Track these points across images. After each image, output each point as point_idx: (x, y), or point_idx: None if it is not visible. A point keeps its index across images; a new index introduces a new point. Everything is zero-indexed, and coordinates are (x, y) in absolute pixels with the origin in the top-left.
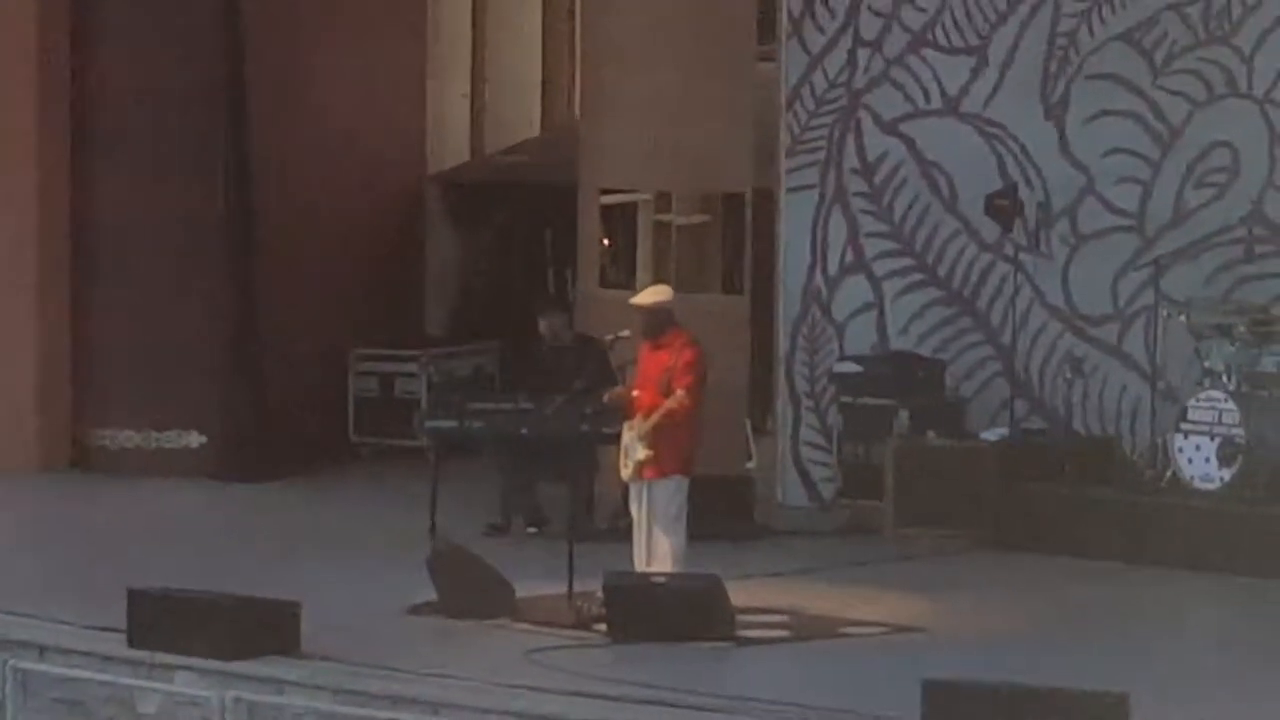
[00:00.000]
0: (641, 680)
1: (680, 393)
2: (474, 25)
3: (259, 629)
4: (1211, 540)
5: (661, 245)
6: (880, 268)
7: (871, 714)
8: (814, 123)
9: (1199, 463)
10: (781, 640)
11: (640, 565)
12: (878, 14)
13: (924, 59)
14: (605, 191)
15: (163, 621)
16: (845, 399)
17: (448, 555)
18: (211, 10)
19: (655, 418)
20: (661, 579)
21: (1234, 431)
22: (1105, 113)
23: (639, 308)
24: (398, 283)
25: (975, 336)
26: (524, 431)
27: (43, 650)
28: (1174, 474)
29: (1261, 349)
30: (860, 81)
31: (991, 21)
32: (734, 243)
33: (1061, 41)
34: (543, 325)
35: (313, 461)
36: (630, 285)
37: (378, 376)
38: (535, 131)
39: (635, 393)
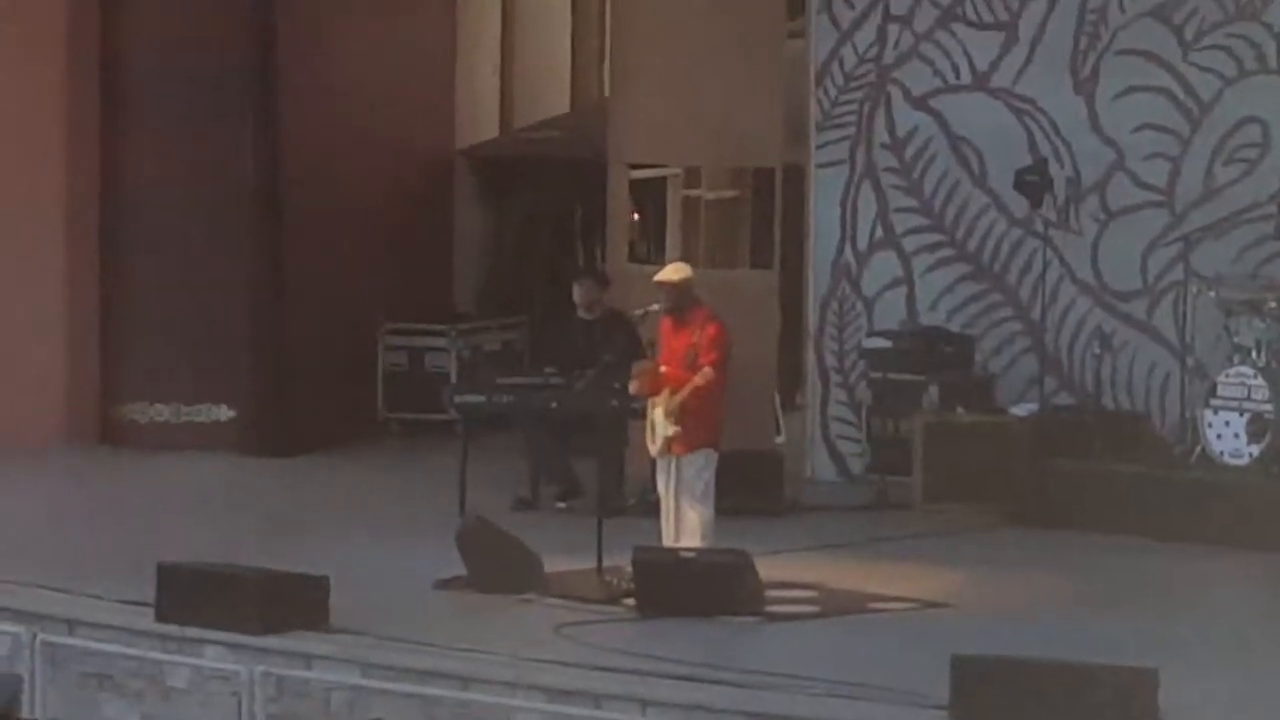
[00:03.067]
0: (670, 655)
1: (707, 369)
2: (504, 0)
3: (288, 603)
4: (1241, 516)
5: (690, 220)
6: (910, 243)
7: (899, 689)
8: (844, 98)
9: (1228, 438)
10: (809, 616)
11: (668, 540)
12: None
13: (954, 34)
14: (634, 166)
15: (192, 596)
16: (874, 374)
17: (476, 530)
18: None
19: (682, 394)
20: (690, 554)
21: (1263, 407)
22: (1135, 88)
23: (663, 284)
24: (427, 257)
25: (1005, 312)
26: (553, 405)
27: (72, 624)
28: (1203, 450)
29: None
30: (890, 57)
31: None
32: (763, 218)
33: (1091, 17)
34: (577, 292)
35: (341, 436)
36: (659, 260)
37: (407, 351)
38: (565, 107)
39: (663, 368)
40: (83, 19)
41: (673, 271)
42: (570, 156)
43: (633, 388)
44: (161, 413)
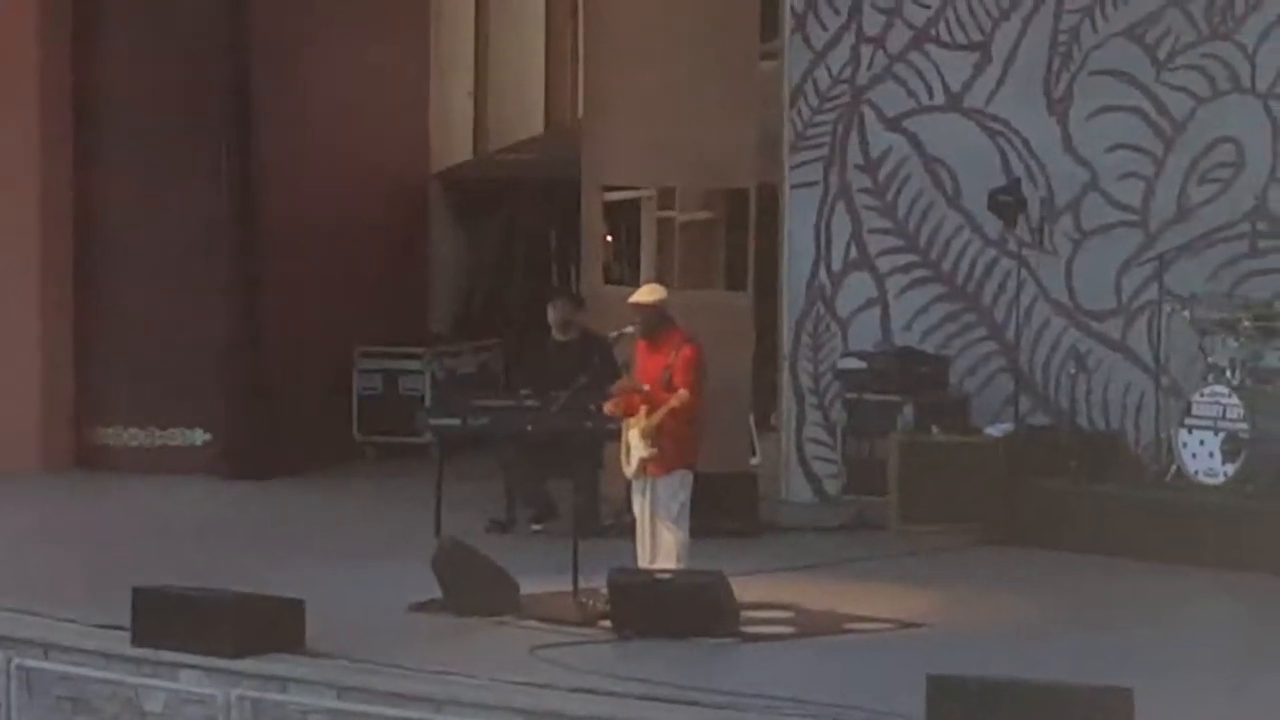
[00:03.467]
0: (646, 676)
1: (683, 391)
2: (477, 23)
3: (263, 627)
4: (1216, 535)
5: (665, 242)
6: (884, 264)
7: (876, 710)
8: (817, 119)
9: (1203, 458)
10: (785, 636)
11: (644, 562)
12: (881, 10)
13: (927, 55)
14: (608, 188)
15: (167, 619)
16: (849, 395)
17: (452, 552)
18: (215, 9)
19: (658, 415)
20: (666, 575)
21: (1238, 427)
22: (1108, 108)
23: (638, 306)
24: (402, 280)
25: (979, 332)
26: (528, 428)
27: (47, 648)
28: (1178, 469)
29: (1265, 344)
30: (863, 78)
31: (994, 17)
32: (737, 239)
33: (1064, 37)
34: (551, 313)
35: (317, 459)
36: (634, 282)
37: (382, 374)
38: (539, 129)
39: (645, 386)
40: (56, 48)
41: (647, 293)
42: (544, 178)
43: (608, 408)
44: (136, 437)
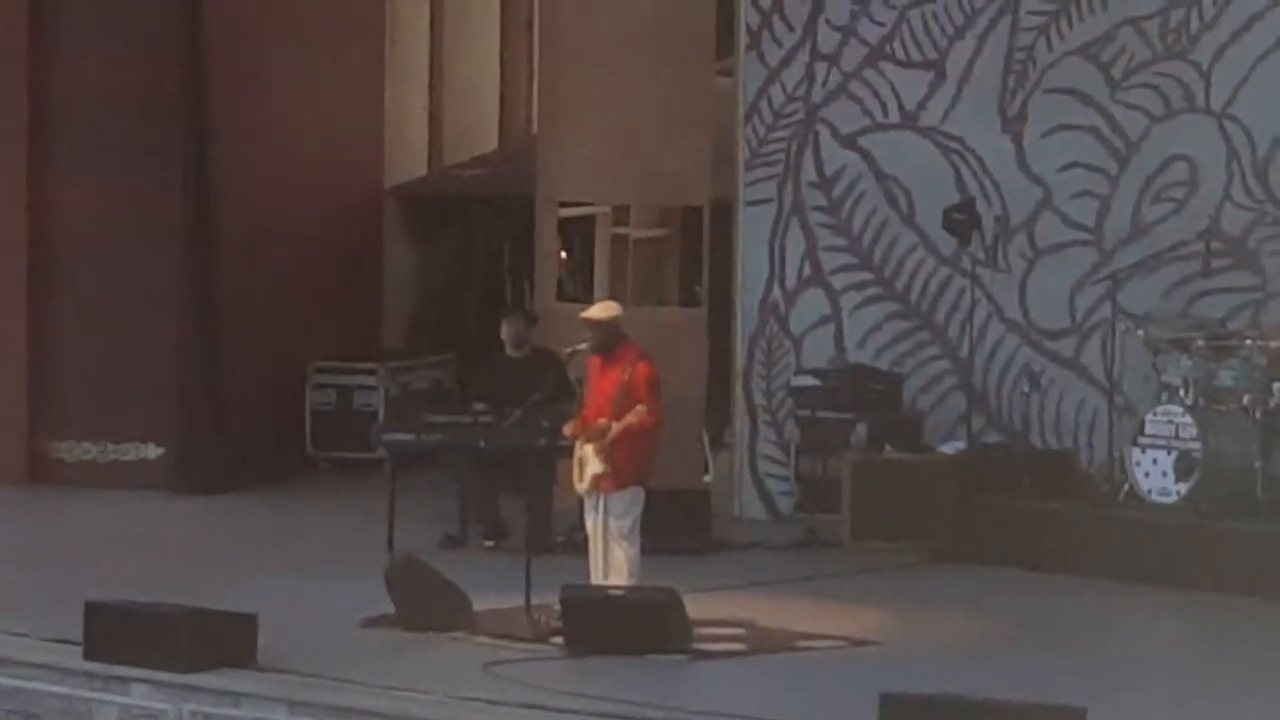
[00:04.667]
0: (598, 693)
1: (640, 407)
2: (431, 37)
3: (215, 641)
4: (1168, 554)
5: (619, 258)
6: (838, 281)
7: None
8: (772, 136)
9: (1156, 477)
10: (738, 653)
11: (597, 578)
12: (835, 28)
13: (882, 73)
14: (563, 204)
15: (119, 634)
16: (803, 412)
17: (404, 568)
18: (171, 18)
19: (614, 432)
20: (618, 592)
21: (1191, 446)
22: (1063, 127)
23: (591, 322)
24: (355, 295)
25: (933, 350)
26: (481, 444)
27: None
28: (1131, 488)
29: (1218, 364)
30: (818, 95)
31: (949, 35)
32: (691, 256)
33: (1019, 55)
34: (505, 329)
35: (270, 474)
36: (588, 298)
37: (335, 389)
38: (493, 144)
39: (600, 419)
40: (9, 52)
41: (601, 310)
42: (499, 194)
43: (568, 430)
44: (89, 451)
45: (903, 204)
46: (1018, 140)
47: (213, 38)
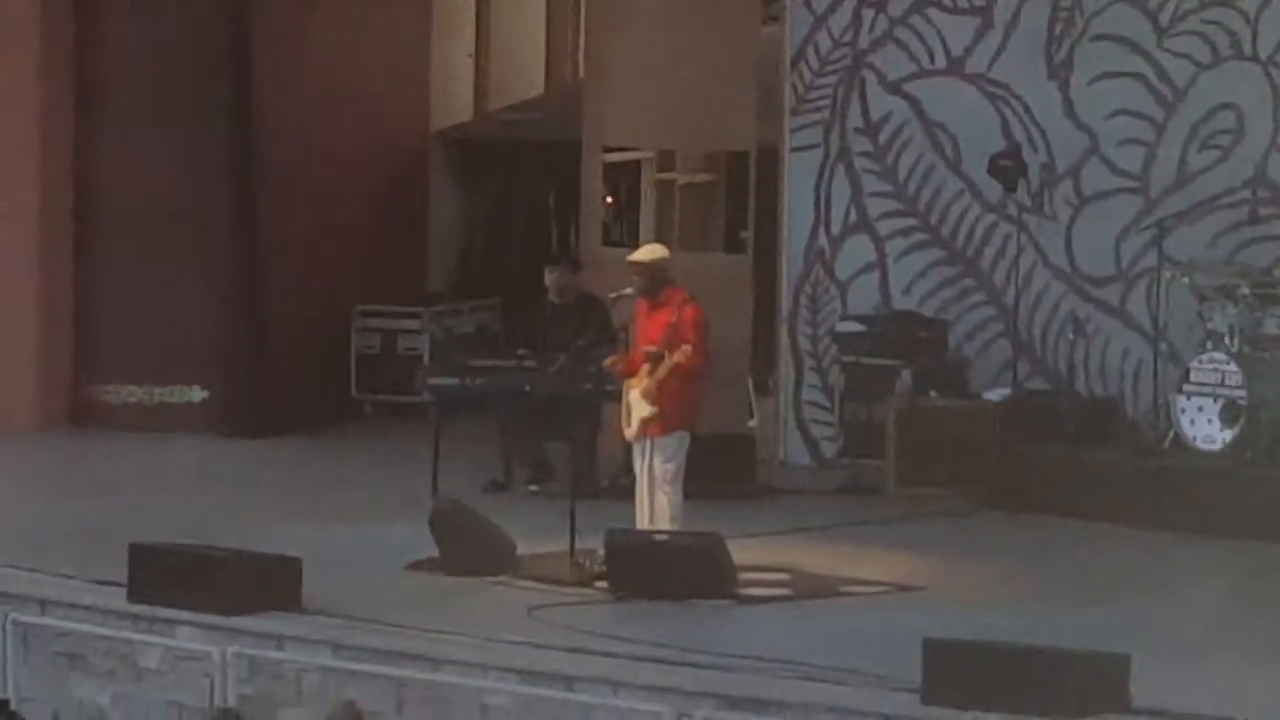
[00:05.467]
0: (642, 638)
1: (687, 346)
2: None
3: (260, 584)
4: (1213, 502)
5: (664, 204)
6: (884, 227)
7: (872, 672)
8: (818, 82)
9: (1201, 424)
10: (782, 599)
11: (642, 523)
12: None
13: (928, 19)
14: (608, 150)
15: (164, 576)
16: (847, 358)
17: (449, 512)
18: None
19: (661, 372)
20: (663, 537)
21: (1236, 393)
22: (1109, 74)
23: (638, 264)
24: (401, 239)
25: (978, 297)
26: (526, 388)
27: (44, 604)
28: (1176, 435)
29: (1264, 311)
30: (865, 41)
31: None
32: (737, 201)
33: (1066, 2)
34: (549, 278)
35: (315, 417)
36: (633, 243)
37: (380, 333)
38: (539, 90)
39: (650, 346)
40: (57, 15)
41: (646, 252)
42: (544, 139)
43: (609, 362)
44: (134, 394)
45: (949, 150)
46: (1064, 87)
47: None
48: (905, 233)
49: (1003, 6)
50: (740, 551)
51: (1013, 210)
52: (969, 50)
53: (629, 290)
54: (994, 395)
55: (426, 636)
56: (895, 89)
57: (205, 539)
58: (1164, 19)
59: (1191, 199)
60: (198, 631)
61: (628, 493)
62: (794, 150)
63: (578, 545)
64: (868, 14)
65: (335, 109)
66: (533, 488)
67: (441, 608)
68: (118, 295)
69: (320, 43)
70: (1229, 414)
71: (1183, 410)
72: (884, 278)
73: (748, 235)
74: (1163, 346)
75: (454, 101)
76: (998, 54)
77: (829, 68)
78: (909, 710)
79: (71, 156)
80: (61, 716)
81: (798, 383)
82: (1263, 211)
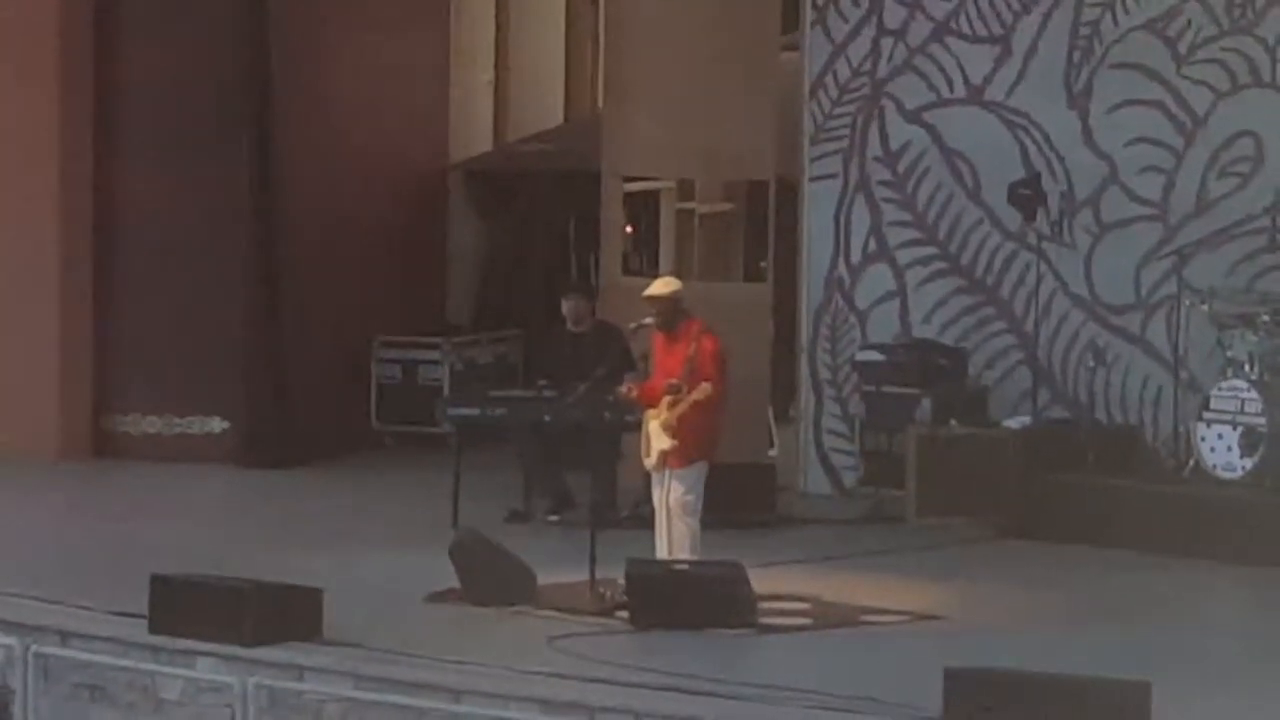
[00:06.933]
0: (663, 668)
1: (706, 384)
2: (497, 13)
3: (281, 615)
4: (1234, 530)
5: (684, 233)
6: (903, 256)
7: (893, 702)
8: (837, 111)
9: (1221, 452)
10: (803, 628)
11: (662, 553)
12: (901, 3)
13: (947, 48)
14: (628, 179)
15: (185, 607)
16: (868, 387)
17: (469, 542)
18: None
19: (681, 408)
20: (683, 566)
21: (1257, 421)
22: (1129, 102)
23: (653, 299)
24: (420, 270)
25: (998, 325)
26: (546, 419)
27: (64, 635)
28: (1197, 463)
29: None
30: (884, 70)
31: (1015, 10)
32: (757, 231)
33: (1085, 30)
34: (565, 307)
35: (335, 448)
36: (653, 273)
37: (400, 364)
38: (558, 119)
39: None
40: (77, 36)
41: (661, 286)
42: (564, 169)
43: (625, 390)
44: (154, 424)
45: (968, 179)
46: (1083, 115)
47: (278, 12)
48: (925, 261)
49: (1021, 35)
50: (761, 581)
51: (1032, 239)
52: (988, 79)
53: (648, 320)
54: (1014, 424)
55: (447, 667)
56: (914, 118)
57: (225, 570)
58: (1183, 47)
59: (1211, 226)
60: (218, 663)
61: (647, 522)
62: (813, 179)
63: (598, 575)
64: (887, 43)
65: (355, 140)
66: (553, 518)
67: (462, 638)
68: (138, 326)
69: (340, 76)
70: (1249, 442)
71: (1203, 438)
72: (904, 306)
73: (767, 264)
74: (1183, 374)
75: (473, 132)
76: (1017, 82)
77: (848, 97)
78: None
79: (91, 187)
80: None
81: (818, 412)
82: None
